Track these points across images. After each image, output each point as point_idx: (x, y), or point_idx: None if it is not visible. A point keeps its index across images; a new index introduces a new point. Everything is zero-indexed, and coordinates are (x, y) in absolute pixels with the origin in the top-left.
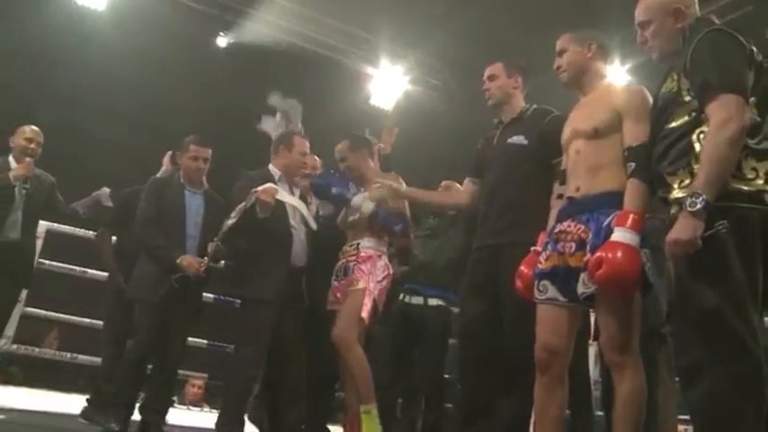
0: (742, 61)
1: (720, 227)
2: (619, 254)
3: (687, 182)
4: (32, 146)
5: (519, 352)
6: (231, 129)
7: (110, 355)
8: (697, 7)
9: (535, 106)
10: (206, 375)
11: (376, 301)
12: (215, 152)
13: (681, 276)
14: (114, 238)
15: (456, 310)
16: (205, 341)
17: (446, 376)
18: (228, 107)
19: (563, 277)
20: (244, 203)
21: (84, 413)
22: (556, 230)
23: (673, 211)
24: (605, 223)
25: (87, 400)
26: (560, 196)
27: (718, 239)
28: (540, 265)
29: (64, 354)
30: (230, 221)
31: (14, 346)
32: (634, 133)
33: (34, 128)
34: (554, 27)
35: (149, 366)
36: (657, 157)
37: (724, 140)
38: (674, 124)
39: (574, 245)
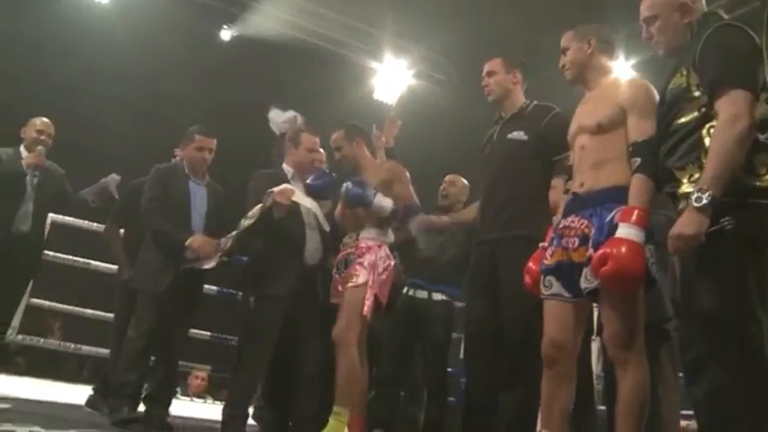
0: (752, 56)
1: (726, 223)
2: (623, 250)
3: (697, 176)
4: (43, 137)
5: (520, 346)
6: (234, 121)
7: (118, 347)
8: (704, 2)
9: (535, 102)
10: (209, 367)
11: (378, 296)
12: (218, 145)
13: (687, 272)
14: (122, 231)
15: (460, 304)
16: (209, 333)
17: (449, 370)
18: (232, 100)
19: (567, 273)
20: (261, 204)
21: (90, 402)
22: (560, 226)
23: (681, 205)
24: (608, 219)
25: (93, 389)
26: (568, 191)
27: (726, 235)
28: (545, 261)
29: (68, 344)
30: (247, 222)
31: (20, 337)
32: (639, 128)
33: (45, 119)
34: (559, 21)
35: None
36: (666, 152)
37: (732, 137)
38: (683, 120)
39: (577, 240)
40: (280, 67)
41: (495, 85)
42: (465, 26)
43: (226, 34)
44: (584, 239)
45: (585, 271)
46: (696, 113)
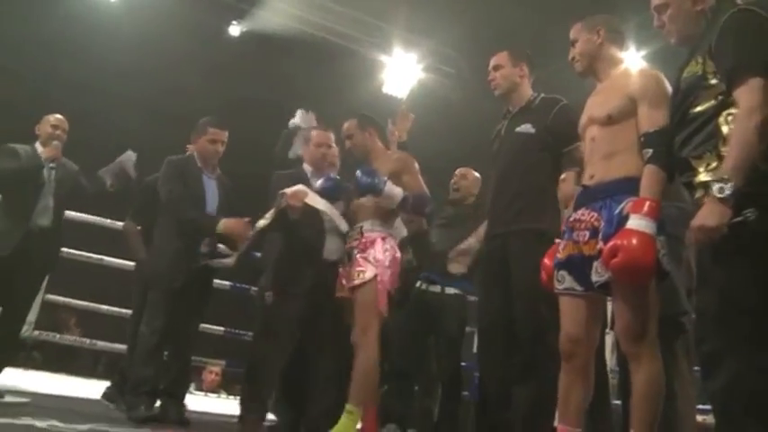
0: None
1: (749, 214)
2: (634, 241)
3: (714, 165)
4: (58, 132)
5: (531, 339)
6: (244, 117)
7: (135, 342)
8: None
9: (543, 95)
10: (224, 362)
11: (389, 291)
12: (228, 141)
13: (703, 264)
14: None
15: (473, 298)
16: (222, 328)
17: (463, 364)
18: (241, 95)
19: (578, 266)
20: (275, 206)
21: (107, 394)
22: (571, 219)
23: (697, 195)
24: (617, 211)
25: (111, 382)
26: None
27: (747, 226)
28: (558, 255)
29: (84, 340)
30: (263, 222)
31: (36, 332)
32: (650, 119)
33: (59, 116)
34: (569, 12)
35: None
36: (681, 142)
37: (753, 126)
38: (699, 108)
39: (587, 233)
40: (289, 62)
41: (501, 79)
42: (475, 19)
43: (235, 30)
44: (595, 232)
45: (596, 264)
46: (713, 101)
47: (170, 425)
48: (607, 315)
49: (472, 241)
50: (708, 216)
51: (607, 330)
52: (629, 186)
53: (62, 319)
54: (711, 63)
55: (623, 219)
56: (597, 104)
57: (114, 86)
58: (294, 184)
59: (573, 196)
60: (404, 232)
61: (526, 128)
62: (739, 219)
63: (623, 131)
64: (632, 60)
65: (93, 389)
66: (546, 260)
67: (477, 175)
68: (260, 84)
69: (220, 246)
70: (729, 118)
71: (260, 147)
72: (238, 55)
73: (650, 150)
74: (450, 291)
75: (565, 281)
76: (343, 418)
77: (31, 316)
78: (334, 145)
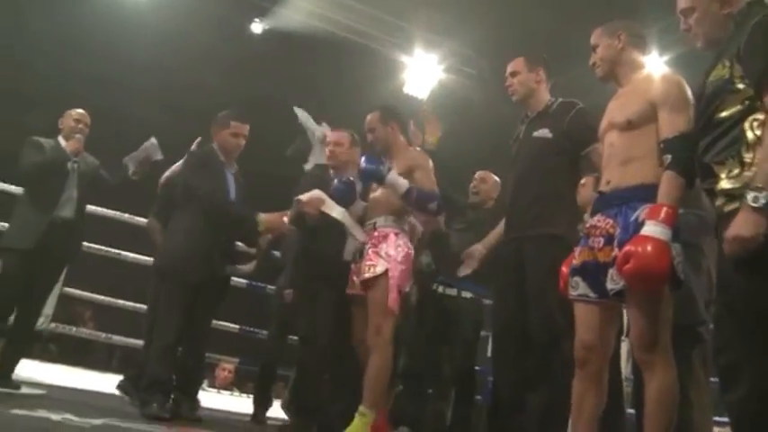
0: None
1: None
2: (649, 248)
3: (736, 171)
4: (81, 125)
5: (544, 344)
6: (265, 114)
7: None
8: None
9: (561, 99)
10: (237, 360)
11: (399, 287)
12: (249, 138)
13: (724, 273)
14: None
15: (489, 302)
16: (237, 326)
17: (477, 368)
18: (263, 92)
19: (593, 273)
20: (292, 211)
21: (121, 386)
22: (587, 225)
23: (718, 202)
24: (632, 218)
25: (125, 376)
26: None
27: None
28: (573, 261)
29: (99, 333)
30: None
31: (53, 325)
32: (671, 124)
33: (81, 110)
34: (591, 15)
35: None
36: (705, 147)
37: None
38: (725, 113)
39: (602, 240)
40: (310, 60)
41: (518, 85)
42: (496, 20)
43: (257, 27)
44: (610, 239)
45: (611, 272)
46: (739, 106)
47: (182, 421)
48: (623, 322)
49: (479, 247)
50: (743, 226)
51: (622, 338)
52: (645, 193)
53: (77, 312)
54: (739, 67)
55: (639, 226)
56: (617, 109)
57: (136, 82)
58: (319, 186)
59: (592, 201)
60: (418, 231)
61: (543, 132)
62: None
63: (642, 137)
64: (655, 65)
65: (107, 382)
66: (563, 267)
67: (496, 178)
68: (280, 82)
69: (238, 243)
70: (755, 123)
71: (273, 146)
72: (260, 52)
73: (669, 156)
74: (467, 294)
75: (579, 287)
76: (356, 420)
77: (48, 308)
78: (344, 143)
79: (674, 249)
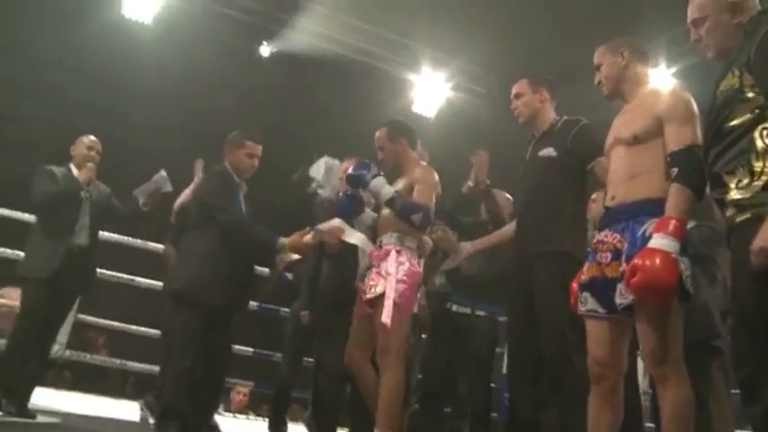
0: None
1: None
2: (657, 261)
3: (746, 181)
4: (93, 153)
5: (555, 361)
6: (273, 137)
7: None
8: (757, 0)
9: (565, 117)
10: (252, 384)
11: (399, 304)
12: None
13: (740, 284)
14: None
15: (503, 319)
16: (252, 349)
17: (493, 386)
18: (270, 115)
19: (601, 288)
20: (312, 239)
21: (149, 403)
22: (594, 240)
23: (728, 213)
24: (639, 233)
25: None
26: None
27: None
28: (582, 277)
29: (114, 360)
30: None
31: (68, 352)
32: (677, 138)
33: (92, 137)
34: (598, 31)
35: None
36: (714, 157)
37: None
38: (734, 122)
39: (610, 255)
40: (318, 81)
41: (523, 107)
42: (504, 38)
43: (265, 50)
44: (617, 254)
45: (620, 286)
46: (749, 115)
47: None
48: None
49: (468, 245)
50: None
51: (639, 352)
52: (652, 208)
53: (90, 338)
54: (749, 76)
55: (646, 240)
56: (623, 125)
57: (145, 107)
58: (332, 216)
59: None
60: (427, 246)
61: (548, 151)
62: None
63: (648, 152)
64: (662, 77)
65: (122, 409)
66: (573, 283)
67: (508, 196)
68: (289, 103)
69: (257, 267)
70: (765, 132)
71: (288, 168)
72: (268, 75)
73: (677, 169)
74: (480, 312)
75: (587, 303)
76: None
77: (63, 336)
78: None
79: (682, 264)
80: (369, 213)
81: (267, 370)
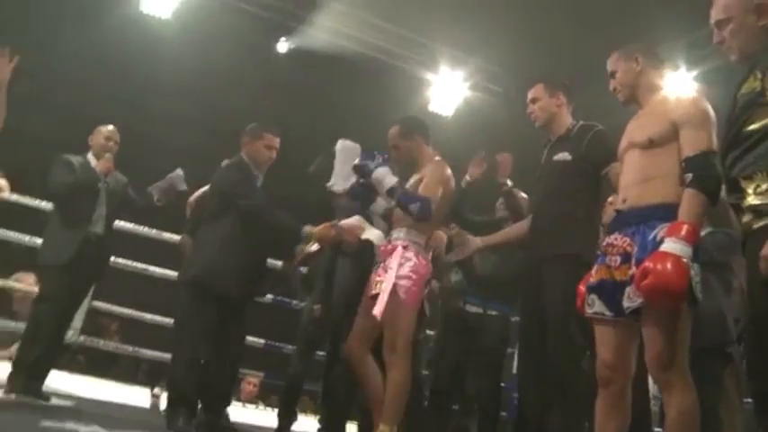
0: None
1: None
2: (668, 265)
3: (764, 187)
4: (111, 143)
5: (562, 363)
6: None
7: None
8: None
9: (582, 122)
10: (262, 374)
11: (402, 298)
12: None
13: (754, 293)
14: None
15: (515, 319)
16: (263, 340)
17: (502, 385)
18: (287, 111)
19: (609, 291)
20: (332, 237)
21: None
22: (604, 243)
23: (745, 219)
24: (650, 237)
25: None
26: None
27: None
28: (590, 279)
29: (126, 347)
30: (315, 246)
31: (82, 337)
32: (692, 143)
33: (111, 127)
34: (617, 31)
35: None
36: (733, 161)
37: None
38: (754, 126)
39: (619, 258)
40: (336, 78)
41: (539, 111)
42: (522, 37)
43: (283, 46)
44: (627, 257)
45: (628, 290)
46: None
47: None
48: None
49: (477, 240)
50: None
51: None
52: (663, 213)
53: (103, 324)
54: None
55: (657, 244)
56: (637, 129)
57: (164, 101)
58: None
59: None
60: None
61: (563, 156)
62: None
63: (662, 156)
64: (682, 80)
65: (134, 395)
66: (581, 286)
67: (524, 195)
68: (306, 100)
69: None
70: None
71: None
72: (286, 71)
73: (691, 174)
74: (492, 312)
75: (594, 305)
76: None
77: (77, 322)
78: None
79: (692, 270)
80: (380, 203)
81: (277, 361)
